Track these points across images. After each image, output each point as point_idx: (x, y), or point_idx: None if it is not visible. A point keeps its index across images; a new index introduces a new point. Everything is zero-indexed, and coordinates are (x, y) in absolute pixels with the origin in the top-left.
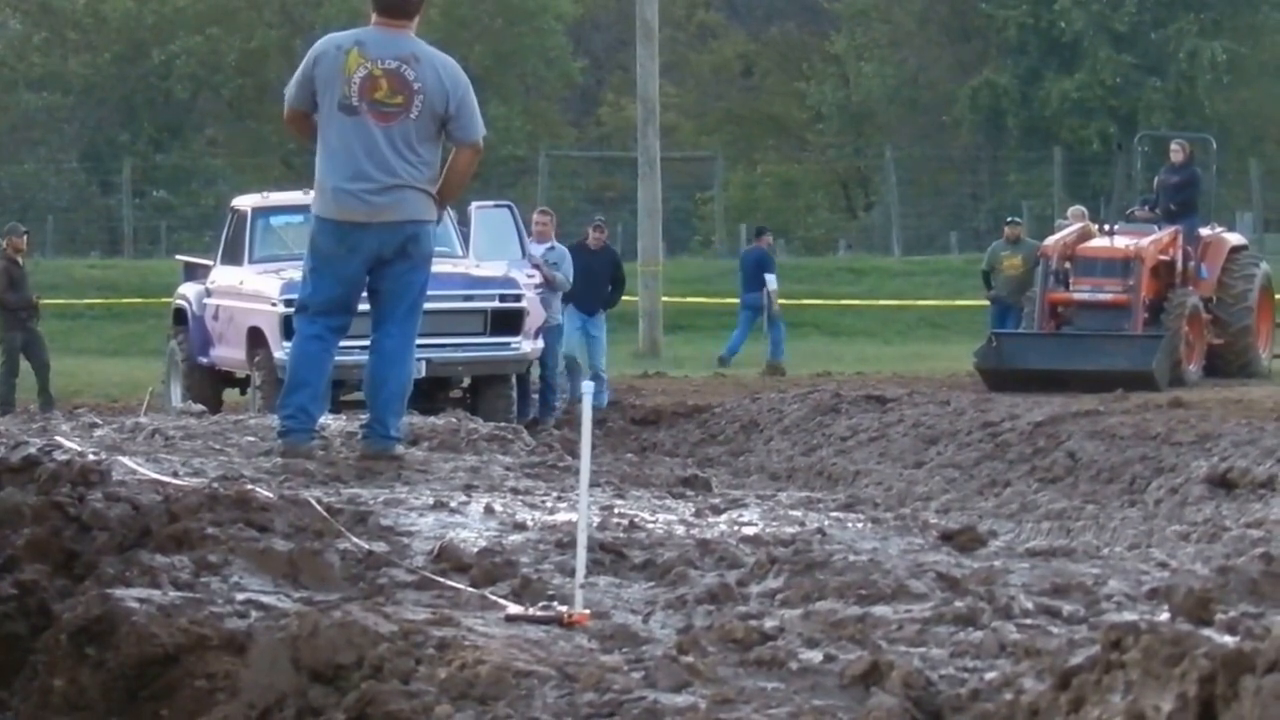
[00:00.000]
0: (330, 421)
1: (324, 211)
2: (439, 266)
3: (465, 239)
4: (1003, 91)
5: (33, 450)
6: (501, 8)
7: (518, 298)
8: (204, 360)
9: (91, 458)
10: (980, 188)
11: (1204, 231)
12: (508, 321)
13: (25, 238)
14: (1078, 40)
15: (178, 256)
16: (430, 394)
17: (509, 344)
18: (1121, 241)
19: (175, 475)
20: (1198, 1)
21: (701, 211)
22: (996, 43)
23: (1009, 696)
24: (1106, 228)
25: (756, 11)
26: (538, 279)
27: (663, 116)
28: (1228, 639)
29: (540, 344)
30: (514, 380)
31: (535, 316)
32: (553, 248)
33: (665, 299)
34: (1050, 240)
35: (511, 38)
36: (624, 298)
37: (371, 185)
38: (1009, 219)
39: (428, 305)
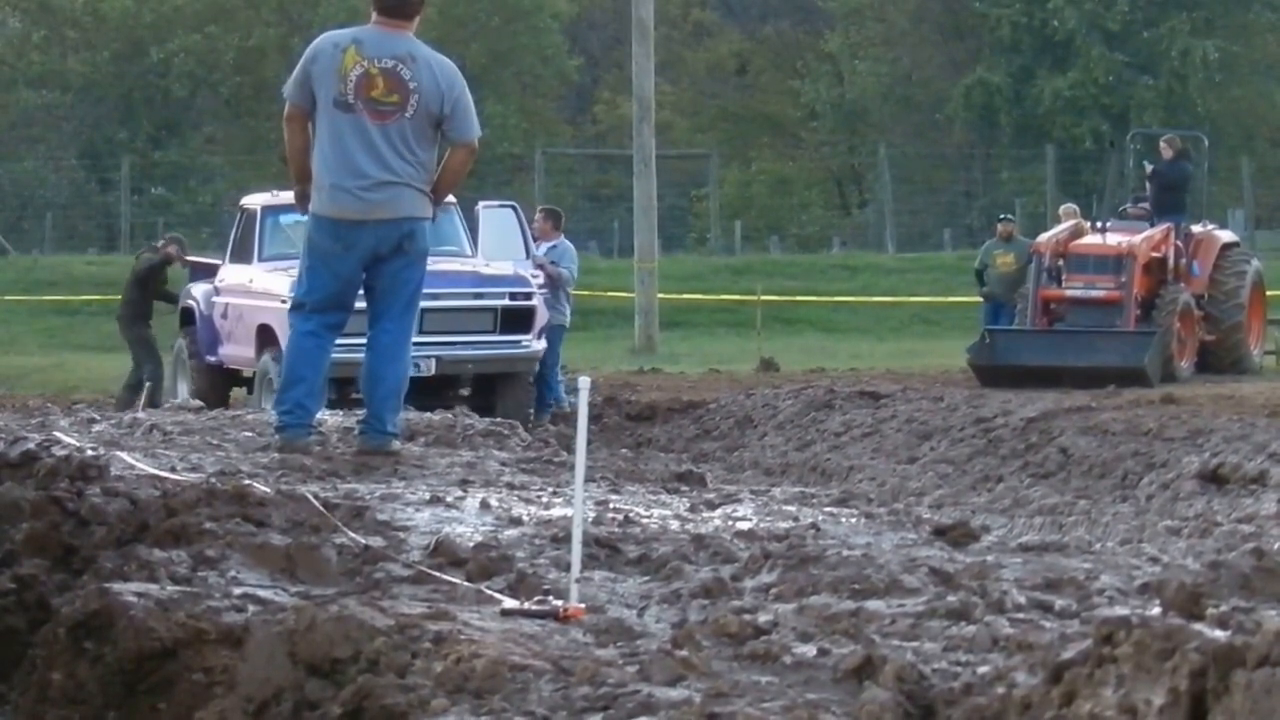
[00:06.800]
0: (327, 417)
1: (320, 209)
2: (449, 265)
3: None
4: (996, 89)
5: (31, 445)
6: (498, 6)
7: (528, 296)
8: (212, 359)
9: (90, 453)
10: (973, 185)
11: (1196, 229)
12: (518, 320)
13: (179, 248)
14: (1070, 39)
15: (186, 256)
16: (438, 391)
17: (519, 342)
18: (1114, 238)
19: (173, 470)
20: (1190, 0)
21: (697, 209)
22: (990, 41)
23: (1001, 690)
24: (1099, 225)
25: (751, 10)
26: (541, 279)
27: (658, 114)
28: (1219, 633)
29: (544, 343)
30: (532, 378)
31: (541, 316)
32: (554, 245)
33: (660, 296)
34: (1043, 237)
35: (508, 36)
36: (620, 294)
37: (367, 182)
38: (1002, 216)
39: (438, 303)
